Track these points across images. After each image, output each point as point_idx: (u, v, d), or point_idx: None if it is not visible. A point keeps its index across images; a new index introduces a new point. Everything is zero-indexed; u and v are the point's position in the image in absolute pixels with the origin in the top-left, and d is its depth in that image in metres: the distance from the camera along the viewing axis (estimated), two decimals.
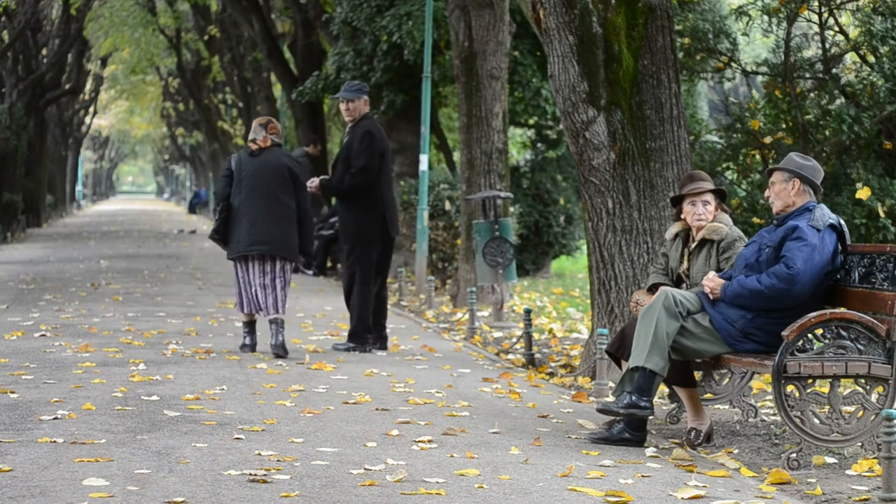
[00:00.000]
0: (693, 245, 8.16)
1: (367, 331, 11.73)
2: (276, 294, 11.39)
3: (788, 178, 7.58)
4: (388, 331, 12.03)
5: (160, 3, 41.26)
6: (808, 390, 7.02)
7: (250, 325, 11.58)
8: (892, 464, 5.98)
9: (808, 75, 12.21)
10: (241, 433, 7.49)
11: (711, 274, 7.71)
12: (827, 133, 11.66)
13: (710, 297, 7.59)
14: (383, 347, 11.81)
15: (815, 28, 12.23)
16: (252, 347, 11.53)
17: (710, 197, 8.13)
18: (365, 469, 6.57)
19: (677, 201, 8.28)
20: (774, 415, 8.52)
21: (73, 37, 39.50)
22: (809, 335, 7.05)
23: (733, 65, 12.75)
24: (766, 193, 7.75)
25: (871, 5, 11.73)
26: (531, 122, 23.00)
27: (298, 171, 11.52)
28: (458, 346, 12.52)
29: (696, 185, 8.14)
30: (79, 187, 76.30)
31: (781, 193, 7.60)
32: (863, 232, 11.22)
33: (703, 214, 8.10)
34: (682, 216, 8.21)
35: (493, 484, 6.31)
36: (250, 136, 11.48)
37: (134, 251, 28.78)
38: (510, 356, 11.86)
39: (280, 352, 11.21)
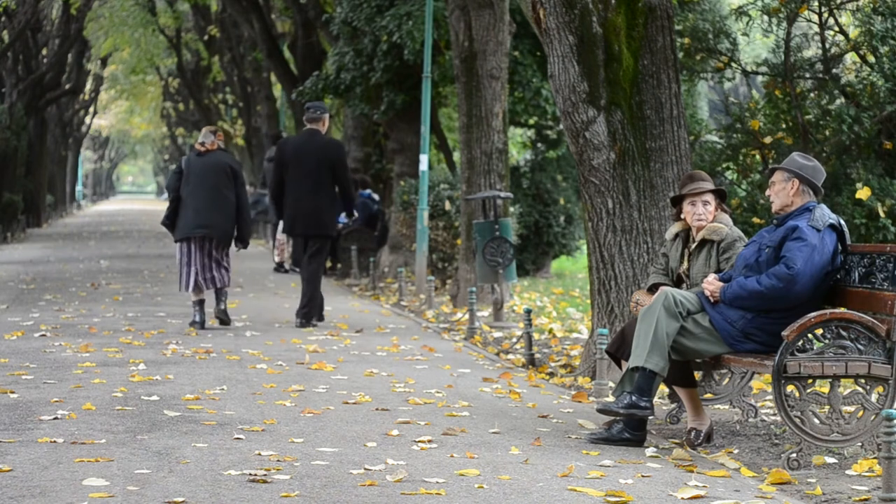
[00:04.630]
0: (693, 245, 8.15)
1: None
2: (220, 272, 13.21)
3: (788, 177, 7.58)
4: (307, 311, 13.54)
5: (160, 3, 41.26)
6: (808, 390, 7.01)
7: (199, 304, 13.18)
8: (892, 464, 5.97)
9: (808, 75, 12.20)
10: (241, 433, 7.49)
11: (711, 277, 7.70)
12: (827, 133, 11.65)
13: (711, 300, 7.59)
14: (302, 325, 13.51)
15: (815, 28, 12.22)
16: (201, 324, 13.09)
17: (710, 197, 8.13)
18: (365, 469, 6.57)
19: (677, 201, 8.28)
20: (774, 415, 8.52)
21: (73, 37, 39.50)
22: (809, 335, 7.04)
23: (733, 65, 12.74)
24: (767, 192, 7.76)
25: (871, 5, 11.72)
26: (531, 122, 23.00)
27: (238, 170, 13.31)
28: (458, 346, 12.51)
29: (696, 185, 8.14)
30: (79, 187, 76.31)
31: (780, 193, 7.60)
32: (863, 232, 11.21)
33: (703, 214, 8.09)
34: (682, 216, 8.20)
35: (493, 484, 6.30)
36: (199, 140, 13.32)
37: (134, 251, 28.78)
38: (510, 356, 11.86)
39: (223, 316, 13.28)
